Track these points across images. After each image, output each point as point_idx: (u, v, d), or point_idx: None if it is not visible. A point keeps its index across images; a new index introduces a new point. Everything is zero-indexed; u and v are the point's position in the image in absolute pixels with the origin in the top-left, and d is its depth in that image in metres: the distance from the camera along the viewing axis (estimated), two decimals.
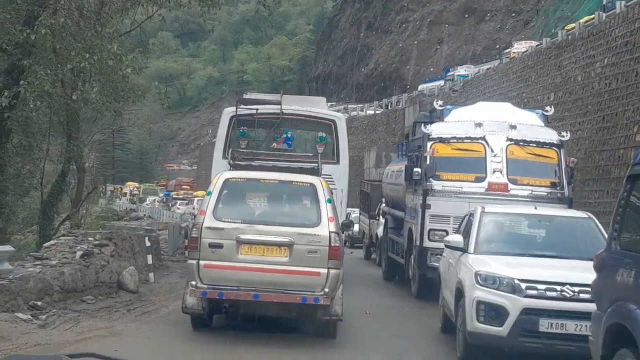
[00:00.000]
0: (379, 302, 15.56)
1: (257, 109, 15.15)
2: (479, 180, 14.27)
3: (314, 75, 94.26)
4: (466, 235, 10.21)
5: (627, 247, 6.03)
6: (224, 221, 9.81)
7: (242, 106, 15.31)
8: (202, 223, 9.79)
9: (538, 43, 41.95)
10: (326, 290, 9.56)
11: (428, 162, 14.27)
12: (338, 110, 57.88)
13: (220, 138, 15.61)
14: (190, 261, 9.88)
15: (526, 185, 14.25)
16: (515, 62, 38.62)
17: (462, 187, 14.23)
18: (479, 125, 14.56)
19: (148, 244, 18.03)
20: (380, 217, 22.08)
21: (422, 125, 14.71)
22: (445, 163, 14.36)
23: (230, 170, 11.02)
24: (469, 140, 14.51)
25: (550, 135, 14.52)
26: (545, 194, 14.15)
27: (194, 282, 9.73)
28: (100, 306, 13.35)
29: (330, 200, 10.03)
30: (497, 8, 72.63)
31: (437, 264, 13.71)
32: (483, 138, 14.47)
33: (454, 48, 73.38)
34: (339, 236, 9.96)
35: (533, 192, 14.12)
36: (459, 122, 14.73)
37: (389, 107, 56.10)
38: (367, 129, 57.44)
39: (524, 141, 14.46)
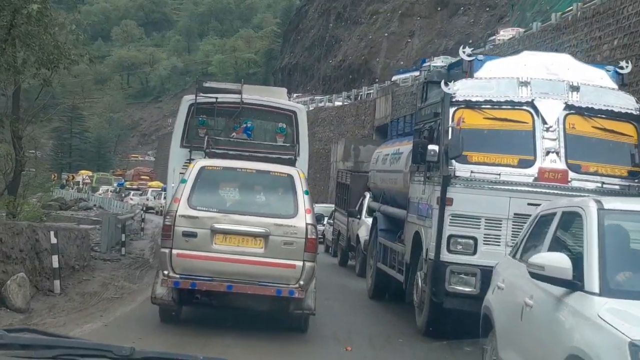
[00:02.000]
0: (365, 332, 10.89)
1: (216, 98, 14.43)
2: (524, 164, 9.52)
3: (280, 67, 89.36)
4: (554, 251, 5.30)
5: None
6: (199, 210, 9.55)
7: (202, 94, 14.65)
8: (176, 211, 9.50)
9: (526, 29, 37.77)
10: (301, 282, 9.35)
11: (450, 137, 9.42)
12: (304, 102, 53.18)
13: (179, 126, 14.90)
14: (162, 250, 9.63)
15: (593, 173, 9.52)
16: (503, 48, 34.04)
17: (499, 175, 9.44)
18: (525, 84, 9.75)
19: (53, 240, 12.93)
20: (364, 215, 17.14)
21: (442, 83, 9.73)
22: (475, 138, 9.55)
23: (204, 158, 10.75)
24: (510, 106, 9.73)
25: (628, 103, 9.77)
26: (620, 187, 9.39)
27: (166, 272, 9.44)
28: None
29: (307, 192, 9.78)
30: (470, 2, 68.65)
31: (460, 289, 9.20)
32: (531, 103, 9.69)
33: (425, 42, 69.28)
34: (315, 228, 9.69)
35: (604, 185, 9.35)
36: (495, 79, 9.85)
37: (359, 99, 51.26)
38: (334, 120, 52.68)
39: (591, 110, 9.71)
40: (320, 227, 21.24)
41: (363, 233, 16.91)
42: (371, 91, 50.60)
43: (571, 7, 32.56)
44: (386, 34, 70.36)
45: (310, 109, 53.85)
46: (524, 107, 9.67)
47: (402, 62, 66.16)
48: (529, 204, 9.32)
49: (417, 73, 44.71)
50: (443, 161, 9.51)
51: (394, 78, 47.89)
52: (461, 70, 10.19)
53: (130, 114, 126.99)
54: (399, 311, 12.31)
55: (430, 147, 9.75)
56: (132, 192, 56.65)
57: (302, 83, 79.37)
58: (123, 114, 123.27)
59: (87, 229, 20.22)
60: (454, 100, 9.70)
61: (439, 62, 42.72)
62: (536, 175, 9.37)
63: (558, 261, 4.85)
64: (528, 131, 9.58)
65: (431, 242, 9.65)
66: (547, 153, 9.46)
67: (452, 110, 9.68)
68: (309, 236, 9.38)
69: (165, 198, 18.06)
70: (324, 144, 51.63)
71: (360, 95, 52.02)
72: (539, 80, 9.79)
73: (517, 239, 6.73)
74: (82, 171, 76.03)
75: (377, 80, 59.62)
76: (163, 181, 50.01)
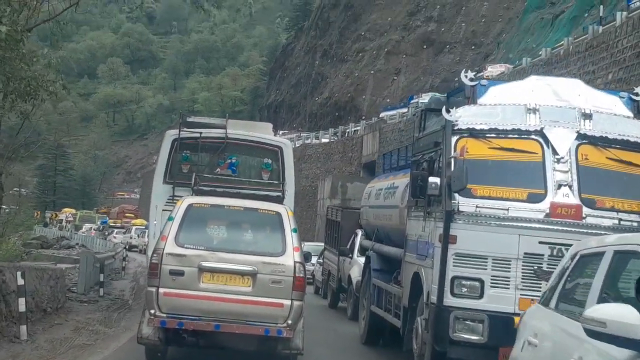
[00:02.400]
0: None
1: (200, 132, 14.17)
2: (534, 199, 8.63)
3: (266, 104, 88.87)
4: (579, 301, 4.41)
5: None
6: (186, 247, 9.40)
7: (185, 129, 14.31)
8: (164, 249, 9.33)
9: (515, 65, 37.27)
10: (289, 322, 9.20)
11: (453, 168, 8.52)
12: (290, 139, 52.41)
13: (162, 162, 14.51)
14: (149, 289, 9.40)
15: (609, 209, 8.64)
16: None
17: (507, 210, 8.54)
18: (534, 111, 8.91)
19: (20, 281, 11.90)
20: (356, 253, 16.17)
21: (443, 110, 8.87)
22: (480, 170, 8.68)
23: (191, 195, 10.72)
24: (518, 135, 8.87)
25: None
26: (638, 224, 8.53)
27: (152, 311, 9.24)
28: None
29: (295, 230, 9.67)
30: (456, 40, 68.60)
31: (466, 337, 8.37)
32: (540, 132, 8.84)
33: (411, 79, 69.11)
34: (304, 266, 9.50)
35: (621, 222, 8.49)
36: (500, 105, 9.01)
37: (346, 135, 50.54)
38: (321, 157, 51.95)
39: (605, 139, 8.86)
40: (309, 267, 20.36)
41: (355, 273, 15.93)
42: (358, 128, 50.01)
43: (561, 42, 32.16)
44: (372, 72, 70.16)
45: (297, 145, 53.13)
46: (533, 136, 8.78)
47: (388, 100, 65.82)
48: (540, 242, 8.45)
49: (404, 110, 44.20)
50: (445, 195, 8.59)
51: (381, 115, 47.42)
52: (463, 96, 9.34)
53: (115, 151, 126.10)
54: (395, 359, 11.32)
55: (431, 179, 8.84)
56: (115, 230, 55.51)
57: (288, 120, 78.76)
58: (108, 152, 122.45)
59: (64, 269, 19.16)
60: (456, 128, 8.82)
61: (427, 98, 42.18)
62: (548, 211, 8.45)
63: (624, 316, 3.81)
64: (538, 162, 8.69)
65: (433, 285, 8.70)
66: (559, 186, 8.56)
67: (454, 139, 8.79)
68: (297, 274, 9.25)
69: (147, 236, 17.15)
70: (310, 181, 50.79)
71: (347, 132, 51.38)
72: (548, 107, 8.93)
73: (549, 284, 5.80)
74: (66, 209, 74.71)
75: (363, 117, 59.12)
76: (147, 219, 48.99)
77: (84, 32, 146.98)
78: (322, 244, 22.68)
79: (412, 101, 43.72)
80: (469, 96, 9.14)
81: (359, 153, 47.13)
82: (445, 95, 10.36)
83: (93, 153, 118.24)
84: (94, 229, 61.52)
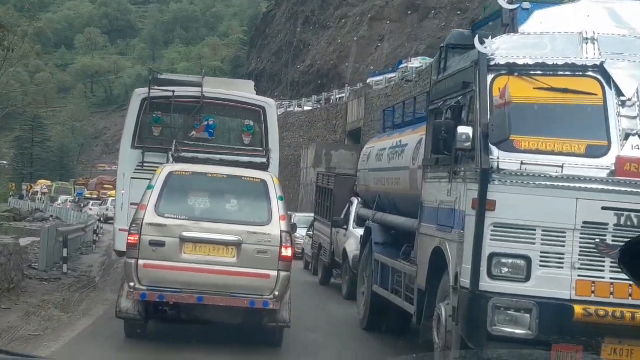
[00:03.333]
0: None
1: (173, 91, 13.10)
2: (595, 152, 6.69)
3: (247, 73, 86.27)
4: None
5: None
6: (167, 217, 9.02)
7: (156, 87, 13.22)
8: (143, 219, 8.95)
9: None
10: (276, 293, 8.80)
11: (494, 115, 6.52)
12: None
13: (130, 124, 13.44)
14: (128, 260, 9.05)
15: None
16: None
17: (562, 167, 6.56)
18: (591, 41, 6.91)
19: None
20: (352, 225, 14.20)
21: (476, 40, 6.81)
22: (524, 117, 6.73)
23: (171, 162, 10.13)
24: (572, 72, 6.86)
25: None
26: None
27: (132, 284, 8.90)
28: None
29: (282, 198, 9.23)
30: (441, 5, 66.29)
31: (509, 330, 6.49)
32: (600, 67, 6.84)
33: (395, 46, 66.88)
34: (291, 236, 9.15)
35: None
36: (549, 34, 7.00)
37: (330, 102, 48.42)
38: (304, 125, 49.85)
39: None
40: (297, 239, 18.38)
41: (352, 247, 13.97)
42: (343, 95, 47.83)
43: None
44: (355, 38, 67.97)
45: (279, 114, 50.87)
46: (591, 73, 6.79)
47: (372, 67, 63.66)
48: (603, 209, 6.50)
49: (392, 75, 42.10)
50: (481, 148, 6.58)
51: (368, 80, 45.35)
52: (494, 28, 7.27)
53: (94, 122, 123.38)
54: (405, 348, 9.38)
55: (461, 129, 6.81)
56: (91, 202, 53.37)
57: (269, 89, 76.41)
58: (87, 123, 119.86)
59: (20, 243, 16.99)
60: (493, 63, 6.79)
61: (417, 62, 40.16)
62: (613, 168, 6.49)
63: None
64: (598, 106, 6.71)
65: (464, 264, 6.70)
66: (627, 136, 6.59)
67: (490, 77, 6.77)
68: (283, 244, 8.89)
69: (115, 206, 15.39)
70: (293, 150, 48.71)
71: (331, 99, 49.23)
72: (609, 37, 6.93)
73: None
74: (41, 181, 72.18)
75: (347, 85, 57.07)
76: None
77: (60, 2, 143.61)
78: (311, 214, 20.61)
79: (400, 66, 41.67)
80: (507, 23, 7.09)
81: (343, 120, 45.05)
82: (470, 29, 8.25)
83: (71, 124, 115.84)
84: (70, 201, 59.26)
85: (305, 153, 43.92)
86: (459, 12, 65.43)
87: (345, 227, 14.88)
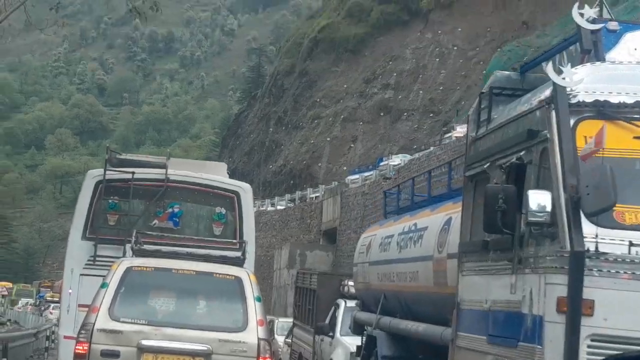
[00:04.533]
0: None
1: (133, 173, 11.54)
2: None
3: None
4: None
5: None
6: (123, 322, 7.79)
7: (113, 169, 11.72)
8: (94, 324, 7.71)
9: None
10: None
11: (590, 172, 4.31)
12: None
13: (81, 211, 11.78)
14: None
15: None
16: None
17: None
18: None
19: None
20: (339, 331, 11.88)
21: (549, 69, 4.68)
22: (624, 178, 4.46)
23: (131, 257, 8.82)
24: None
25: None
26: None
27: None
28: None
29: (259, 299, 7.99)
30: (414, 107, 65.73)
31: None
32: None
33: (368, 146, 65.89)
34: (270, 345, 7.82)
35: None
36: None
37: (305, 201, 46.48)
38: (277, 224, 47.71)
39: None
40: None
41: (339, 358, 11.58)
42: (317, 194, 45.95)
43: None
44: (328, 139, 67.01)
45: None
46: None
47: (345, 167, 62.51)
48: None
49: (370, 173, 40.46)
50: (569, 222, 4.38)
51: (347, 179, 43.83)
52: (585, 49, 5.17)
53: (61, 224, 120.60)
54: None
55: (534, 195, 4.63)
56: (51, 305, 50.23)
57: None
58: (54, 224, 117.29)
59: None
60: (575, 101, 4.68)
61: (397, 159, 38.62)
62: None
63: None
64: None
65: None
66: None
67: (573, 120, 4.64)
68: (262, 355, 7.70)
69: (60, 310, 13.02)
70: (265, 250, 46.34)
71: (306, 198, 47.34)
72: None
73: None
74: (1, 282, 68.79)
75: (320, 184, 55.56)
76: None
77: (32, 103, 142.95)
78: (288, 319, 18.12)
79: (381, 163, 39.89)
80: (589, 49, 5.03)
81: (318, 220, 42.98)
82: (519, 71, 6.15)
83: (38, 225, 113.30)
84: (31, 304, 56.08)
85: (279, 253, 41.67)
86: (431, 114, 64.84)
87: (331, 334, 12.58)
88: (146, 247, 8.94)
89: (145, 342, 7.73)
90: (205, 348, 7.67)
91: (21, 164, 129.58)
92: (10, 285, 66.22)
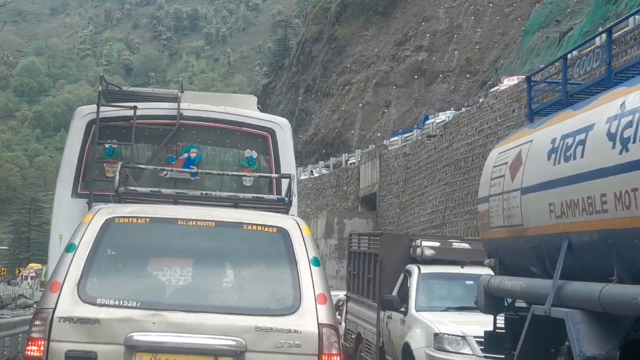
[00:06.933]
0: None
1: (135, 107, 9.06)
2: None
3: None
4: None
5: None
6: (101, 305, 4.98)
7: (108, 104, 9.24)
8: (54, 309, 4.94)
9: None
10: None
11: None
12: None
13: (70, 160, 9.27)
14: None
15: None
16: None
17: None
18: None
19: None
20: (414, 305, 8.58)
21: None
22: None
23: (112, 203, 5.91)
24: None
25: None
26: None
27: None
28: None
29: (317, 262, 5.15)
30: (449, 69, 62.28)
31: None
32: None
33: (402, 111, 62.61)
34: (337, 333, 4.98)
35: None
36: None
37: (341, 166, 43.33)
38: (311, 193, 44.64)
39: None
40: None
41: (418, 342, 8.45)
42: (353, 159, 42.72)
43: None
44: (360, 105, 63.93)
45: None
46: None
47: (378, 134, 59.40)
48: None
49: (411, 133, 37.29)
50: None
51: (391, 139, 40.97)
52: None
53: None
54: None
55: None
56: None
57: None
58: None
59: None
60: None
61: (444, 116, 35.37)
62: None
63: None
64: None
65: None
66: None
67: None
68: (324, 350, 4.79)
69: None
70: None
71: (340, 163, 44.17)
72: None
73: None
74: (31, 264, 66.87)
75: (357, 149, 52.63)
76: None
77: (60, 86, 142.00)
78: (338, 292, 14.79)
79: (427, 122, 36.66)
80: None
81: (355, 186, 39.74)
82: None
83: None
84: None
85: (315, 223, 38.50)
86: (468, 75, 61.43)
87: (403, 309, 9.22)
88: (135, 188, 6.12)
89: (137, 337, 4.87)
90: (235, 342, 4.83)
91: (51, 147, 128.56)
92: (39, 266, 64.47)
